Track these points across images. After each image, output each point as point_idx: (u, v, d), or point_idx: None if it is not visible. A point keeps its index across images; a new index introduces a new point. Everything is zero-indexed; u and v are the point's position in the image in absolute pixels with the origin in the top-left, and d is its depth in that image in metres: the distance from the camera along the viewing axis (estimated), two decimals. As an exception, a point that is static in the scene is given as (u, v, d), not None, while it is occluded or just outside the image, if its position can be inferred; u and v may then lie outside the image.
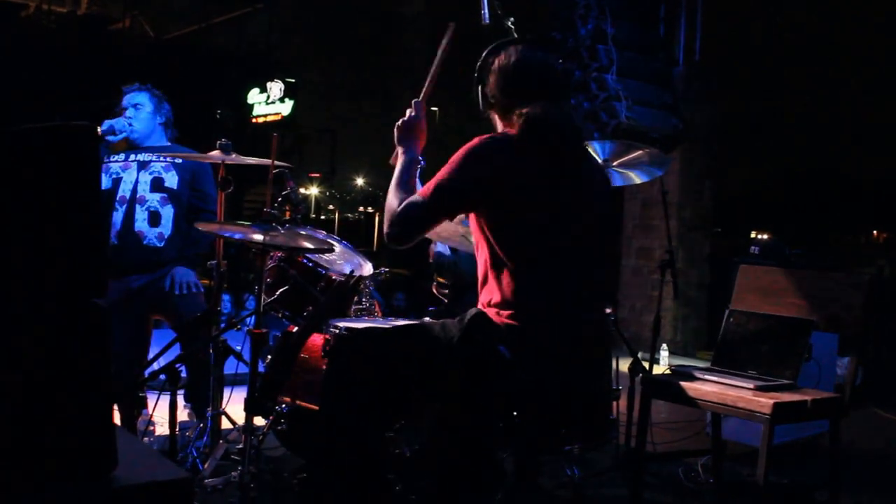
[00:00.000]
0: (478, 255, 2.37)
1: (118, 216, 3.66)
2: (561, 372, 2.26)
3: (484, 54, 2.47)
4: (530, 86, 2.38)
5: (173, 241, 3.69)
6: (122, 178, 3.69)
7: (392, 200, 2.33)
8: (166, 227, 3.68)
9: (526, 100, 2.34)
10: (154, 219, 3.66)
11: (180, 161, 3.73)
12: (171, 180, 3.70)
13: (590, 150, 3.47)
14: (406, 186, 2.37)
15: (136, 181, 3.67)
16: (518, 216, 2.26)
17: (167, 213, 3.69)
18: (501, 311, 2.25)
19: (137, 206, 3.65)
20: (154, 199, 3.67)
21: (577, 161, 2.40)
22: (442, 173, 2.27)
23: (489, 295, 2.30)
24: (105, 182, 3.69)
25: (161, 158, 3.72)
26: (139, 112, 3.74)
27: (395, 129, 2.54)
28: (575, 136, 2.41)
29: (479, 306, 2.32)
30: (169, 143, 3.86)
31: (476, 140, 2.29)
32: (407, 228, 2.27)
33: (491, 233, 2.28)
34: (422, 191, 2.28)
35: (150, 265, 3.66)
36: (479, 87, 2.46)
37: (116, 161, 3.74)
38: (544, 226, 2.27)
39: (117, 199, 3.67)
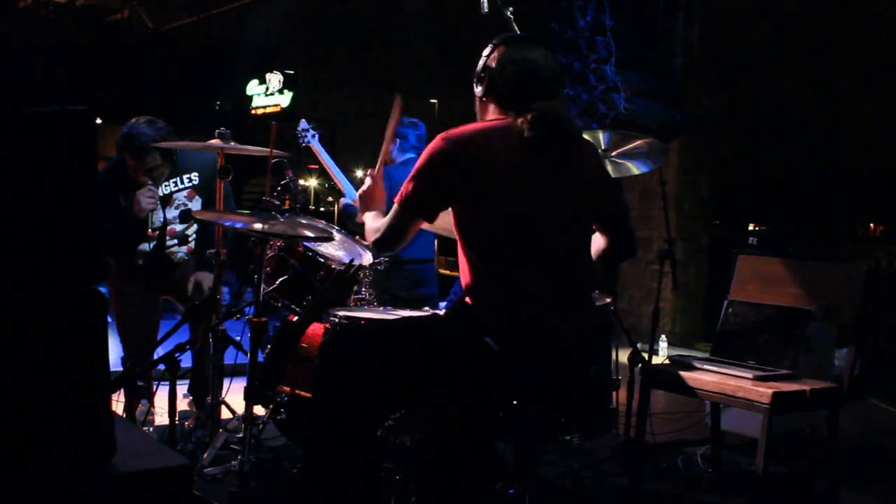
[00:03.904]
0: (459, 248, 2.38)
1: (145, 246, 3.74)
2: (532, 364, 2.26)
3: (499, 42, 2.45)
4: (541, 86, 2.39)
5: (199, 247, 3.84)
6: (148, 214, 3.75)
7: (370, 223, 2.50)
8: (192, 242, 3.84)
9: (536, 97, 2.35)
10: (183, 240, 3.82)
11: (197, 181, 3.79)
12: (196, 205, 3.82)
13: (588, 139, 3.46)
14: (379, 219, 2.51)
15: (164, 217, 3.74)
16: (490, 210, 2.26)
17: (192, 230, 3.84)
18: (483, 303, 2.26)
19: (168, 237, 3.77)
20: (182, 227, 3.81)
21: (572, 156, 2.39)
22: (411, 180, 2.30)
23: (470, 288, 2.30)
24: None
25: (182, 185, 3.77)
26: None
27: (359, 199, 2.67)
28: (576, 132, 2.43)
29: (463, 298, 2.33)
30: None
31: (439, 141, 2.30)
32: (389, 237, 2.38)
33: (463, 227, 2.30)
34: (397, 200, 2.34)
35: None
36: (486, 74, 2.43)
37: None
38: (516, 219, 2.27)
39: (146, 232, 3.74)
